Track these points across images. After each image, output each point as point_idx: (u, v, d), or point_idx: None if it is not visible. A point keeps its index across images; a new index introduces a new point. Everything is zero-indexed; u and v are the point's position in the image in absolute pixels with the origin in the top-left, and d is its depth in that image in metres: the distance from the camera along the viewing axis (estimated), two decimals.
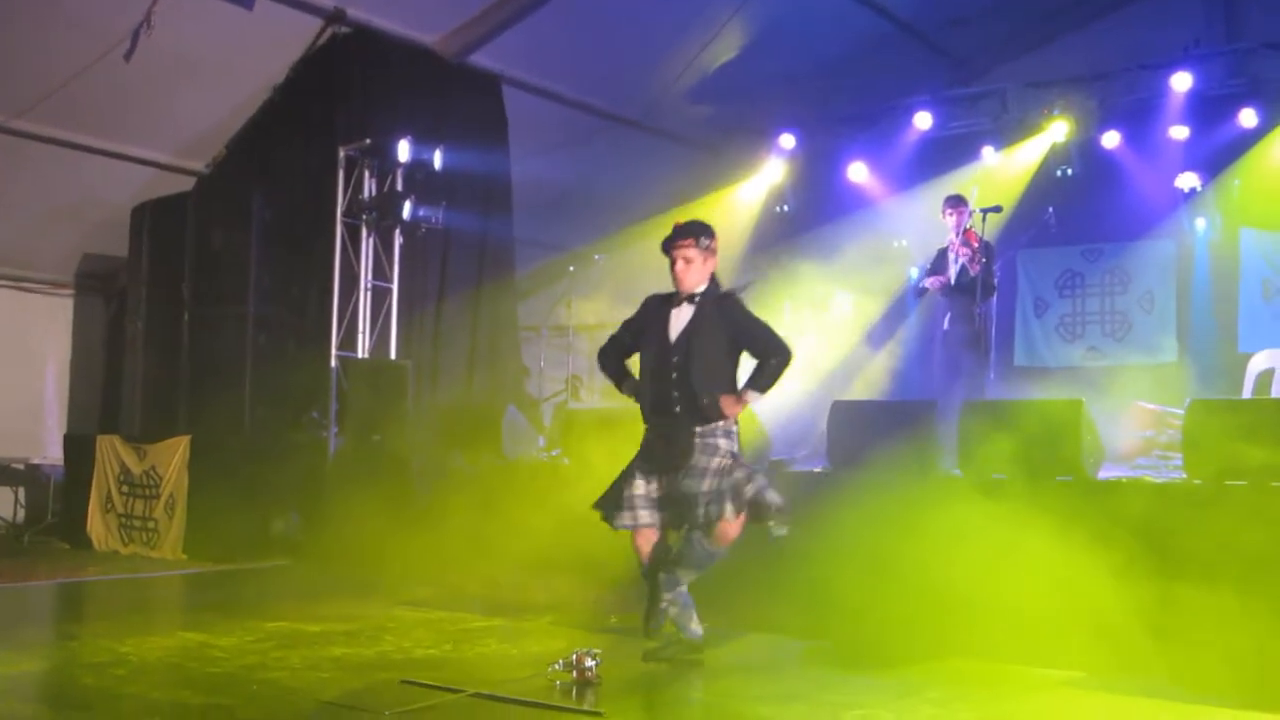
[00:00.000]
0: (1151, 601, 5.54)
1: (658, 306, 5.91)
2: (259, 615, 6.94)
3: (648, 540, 5.80)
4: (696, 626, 5.75)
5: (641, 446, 5.90)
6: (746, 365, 5.94)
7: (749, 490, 5.60)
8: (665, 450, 5.74)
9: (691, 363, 5.71)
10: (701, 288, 5.82)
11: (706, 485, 5.58)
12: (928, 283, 10.03)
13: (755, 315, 5.88)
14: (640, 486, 5.77)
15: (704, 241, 5.78)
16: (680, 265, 5.77)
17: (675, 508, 5.72)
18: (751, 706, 4.89)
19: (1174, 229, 11.70)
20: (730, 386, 5.78)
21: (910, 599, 6.06)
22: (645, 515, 5.75)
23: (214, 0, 10.08)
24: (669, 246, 5.81)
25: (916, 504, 6.43)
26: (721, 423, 5.71)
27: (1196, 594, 5.52)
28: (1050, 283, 12.56)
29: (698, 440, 5.68)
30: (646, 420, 5.89)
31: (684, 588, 5.76)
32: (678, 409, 5.72)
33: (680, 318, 5.81)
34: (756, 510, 5.61)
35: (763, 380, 5.74)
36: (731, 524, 5.58)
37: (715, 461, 5.64)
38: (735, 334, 5.79)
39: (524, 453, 9.64)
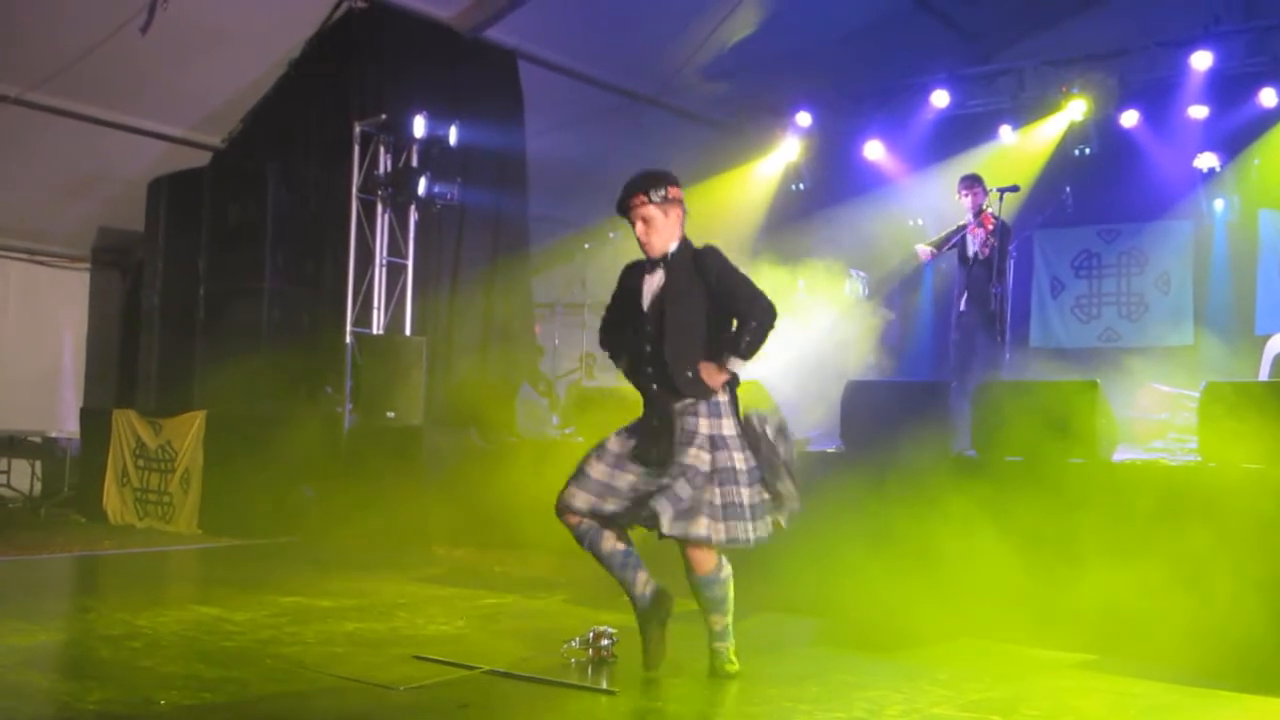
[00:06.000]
0: (1164, 585, 5.52)
1: (633, 276, 5.10)
2: (273, 590, 6.98)
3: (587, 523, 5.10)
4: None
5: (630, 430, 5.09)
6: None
7: (719, 499, 4.76)
8: (642, 439, 4.96)
9: (665, 334, 4.89)
10: (673, 246, 4.96)
11: (664, 480, 4.80)
12: (919, 250, 9.99)
13: (736, 269, 4.97)
14: (599, 468, 5.03)
15: (656, 194, 4.90)
16: (640, 227, 4.94)
17: (624, 500, 4.96)
18: (763, 686, 4.89)
19: (1192, 210, 11.63)
20: (713, 357, 4.89)
21: (922, 579, 6.07)
22: (581, 498, 5.04)
23: None
24: (623, 210, 4.99)
25: (930, 484, 6.43)
26: (703, 402, 4.86)
27: (1210, 577, 5.51)
28: (1066, 263, 12.51)
29: (675, 421, 4.87)
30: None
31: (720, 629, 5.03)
32: (655, 387, 4.95)
33: (652, 285, 4.98)
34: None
35: (743, 344, 4.82)
36: (702, 548, 4.81)
37: (688, 453, 4.80)
38: (713, 293, 4.91)
39: (538, 430, 9.63)
